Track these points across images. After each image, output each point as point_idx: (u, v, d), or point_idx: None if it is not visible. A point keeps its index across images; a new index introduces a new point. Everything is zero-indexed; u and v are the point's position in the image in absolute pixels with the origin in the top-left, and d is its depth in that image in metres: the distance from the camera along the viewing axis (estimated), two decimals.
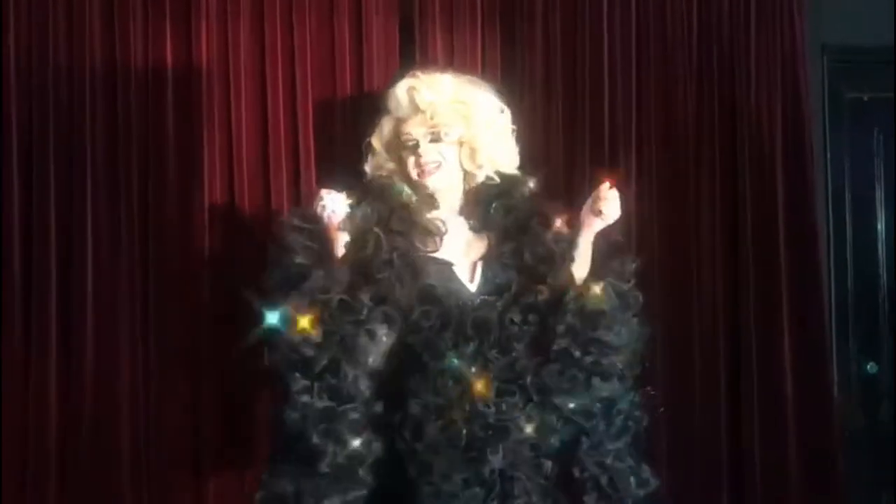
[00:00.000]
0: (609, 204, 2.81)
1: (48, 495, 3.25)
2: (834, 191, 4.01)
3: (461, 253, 2.91)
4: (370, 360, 2.74)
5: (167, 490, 3.32)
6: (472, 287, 2.86)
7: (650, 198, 3.57)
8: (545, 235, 2.90)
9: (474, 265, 2.89)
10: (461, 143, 2.95)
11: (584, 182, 3.40)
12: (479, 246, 2.93)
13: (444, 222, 2.89)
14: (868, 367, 4.07)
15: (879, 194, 4.09)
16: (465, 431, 2.68)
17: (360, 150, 3.23)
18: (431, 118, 2.93)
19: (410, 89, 2.96)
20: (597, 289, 2.83)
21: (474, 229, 2.96)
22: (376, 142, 3.03)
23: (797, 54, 3.66)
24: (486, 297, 2.83)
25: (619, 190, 2.83)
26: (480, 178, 2.99)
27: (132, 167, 3.33)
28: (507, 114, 3.04)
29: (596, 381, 2.82)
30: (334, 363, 2.70)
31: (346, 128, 3.41)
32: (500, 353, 2.76)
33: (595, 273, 2.89)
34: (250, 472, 3.31)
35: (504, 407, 2.72)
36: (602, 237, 2.91)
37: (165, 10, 3.35)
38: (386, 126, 3.02)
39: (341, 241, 2.79)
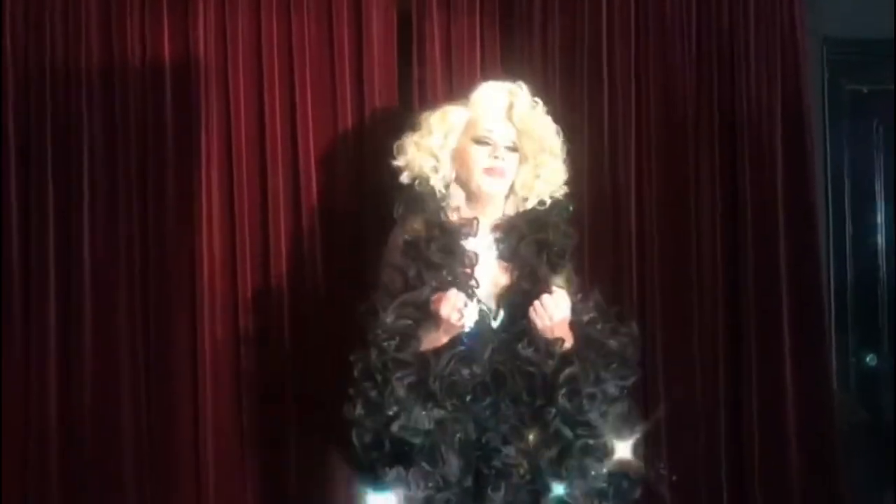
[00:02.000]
0: (544, 316, 2.79)
1: (49, 494, 3.25)
2: (833, 183, 4.00)
3: (487, 284, 2.89)
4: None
5: (168, 488, 3.32)
6: (495, 324, 2.87)
7: (650, 190, 3.57)
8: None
9: (498, 301, 2.88)
10: (525, 160, 2.95)
11: (581, 172, 3.40)
12: (504, 276, 2.92)
13: (476, 255, 2.88)
14: (867, 359, 4.07)
15: (879, 187, 4.08)
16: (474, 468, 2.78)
17: (360, 141, 3.24)
18: (518, 129, 2.94)
19: (506, 96, 2.95)
20: None
21: (503, 257, 2.94)
22: (429, 136, 2.96)
23: (797, 46, 3.65)
24: (505, 335, 2.84)
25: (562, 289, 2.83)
26: (521, 201, 2.98)
27: (130, 162, 3.32)
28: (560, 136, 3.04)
29: (588, 462, 2.82)
30: (432, 449, 2.75)
31: (344, 120, 3.40)
32: (512, 402, 2.81)
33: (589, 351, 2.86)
34: (251, 470, 3.33)
35: (512, 452, 2.78)
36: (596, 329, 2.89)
37: (163, 2, 3.34)
38: (457, 119, 2.96)
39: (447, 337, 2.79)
